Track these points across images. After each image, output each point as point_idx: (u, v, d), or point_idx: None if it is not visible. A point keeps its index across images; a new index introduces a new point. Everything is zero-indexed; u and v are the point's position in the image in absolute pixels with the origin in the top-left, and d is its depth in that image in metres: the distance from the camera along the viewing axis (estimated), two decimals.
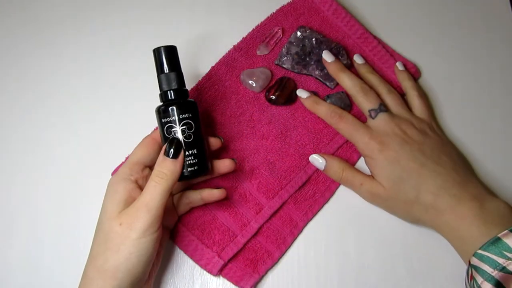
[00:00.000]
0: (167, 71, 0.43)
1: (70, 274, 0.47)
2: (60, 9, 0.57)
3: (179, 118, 0.42)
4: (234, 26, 0.55)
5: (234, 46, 0.53)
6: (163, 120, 0.42)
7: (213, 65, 0.52)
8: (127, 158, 0.47)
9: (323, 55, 0.50)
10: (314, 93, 0.51)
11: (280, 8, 0.54)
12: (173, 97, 0.43)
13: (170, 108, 0.42)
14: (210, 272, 0.46)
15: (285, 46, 0.52)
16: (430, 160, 0.44)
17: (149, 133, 0.45)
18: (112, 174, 0.49)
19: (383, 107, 0.47)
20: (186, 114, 0.42)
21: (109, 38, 0.56)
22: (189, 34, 0.56)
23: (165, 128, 0.42)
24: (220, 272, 0.46)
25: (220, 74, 0.52)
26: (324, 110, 0.49)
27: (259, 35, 0.53)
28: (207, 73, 0.52)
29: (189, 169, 0.42)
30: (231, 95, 0.51)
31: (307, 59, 0.51)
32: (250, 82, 0.51)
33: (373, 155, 0.45)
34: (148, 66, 0.54)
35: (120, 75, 0.54)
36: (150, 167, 0.43)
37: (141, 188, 0.42)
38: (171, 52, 0.43)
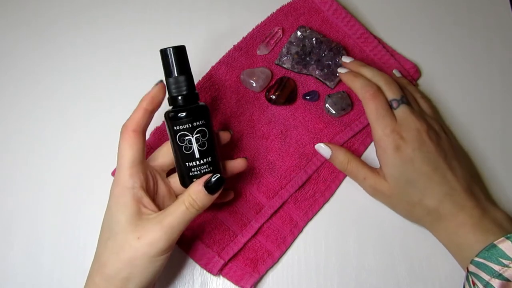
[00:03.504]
0: (177, 75, 0.40)
1: (70, 274, 0.47)
2: (60, 9, 0.57)
3: (192, 126, 0.39)
4: (234, 26, 0.55)
5: (234, 45, 0.53)
6: (175, 128, 0.40)
7: (213, 64, 0.52)
8: None
9: (342, 58, 0.49)
10: (315, 92, 0.51)
11: (280, 8, 0.54)
12: (184, 103, 0.40)
13: (182, 115, 0.39)
14: (210, 271, 0.46)
15: (285, 46, 0.52)
16: (443, 165, 0.43)
17: (124, 123, 0.41)
18: (112, 174, 0.49)
19: (405, 99, 0.45)
20: (200, 121, 0.40)
21: (109, 38, 0.56)
22: (189, 34, 0.56)
23: (177, 136, 0.40)
24: (220, 271, 0.46)
25: (220, 73, 0.52)
26: (359, 83, 0.45)
27: (259, 35, 0.53)
28: (207, 73, 0.52)
29: None
30: (231, 94, 0.51)
31: (307, 59, 0.51)
32: (250, 81, 0.51)
33: (388, 150, 0.44)
34: (148, 66, 0.54)
35: (120, 75, 0.54)
36: (143, 162, 0.41)
37: (146, 191, 0.40)
38: (179, 53, 0.40)
